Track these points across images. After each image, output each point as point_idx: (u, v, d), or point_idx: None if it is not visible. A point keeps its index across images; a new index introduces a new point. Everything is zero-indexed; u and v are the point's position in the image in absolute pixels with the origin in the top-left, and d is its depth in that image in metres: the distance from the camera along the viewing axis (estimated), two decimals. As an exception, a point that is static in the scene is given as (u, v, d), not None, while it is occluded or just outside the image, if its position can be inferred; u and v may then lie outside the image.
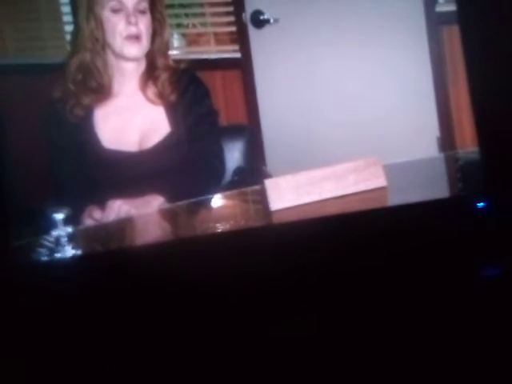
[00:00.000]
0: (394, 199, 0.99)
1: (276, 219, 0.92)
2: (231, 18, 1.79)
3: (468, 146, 1.48)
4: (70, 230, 0.87)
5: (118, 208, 1.08)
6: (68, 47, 1.30)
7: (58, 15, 1.84)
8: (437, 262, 0.80)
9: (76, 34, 1.19)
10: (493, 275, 0.80)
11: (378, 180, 0.97)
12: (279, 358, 0.78)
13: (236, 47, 1.78)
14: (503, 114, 0.80)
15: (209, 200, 1.09)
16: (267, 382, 0.78)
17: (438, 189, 0.98)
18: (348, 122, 1.64)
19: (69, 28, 1.75)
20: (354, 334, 0.79)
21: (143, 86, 1.20)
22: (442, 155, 1.52)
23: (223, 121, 1.36)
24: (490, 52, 0.79)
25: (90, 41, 1.17)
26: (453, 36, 1.59)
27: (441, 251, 0.81)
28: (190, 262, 0.81)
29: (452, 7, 1.51)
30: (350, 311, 0.79)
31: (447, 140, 1.60)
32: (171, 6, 1.77)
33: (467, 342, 0.77)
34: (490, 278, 0.80)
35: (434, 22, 1.62)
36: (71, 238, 0.87)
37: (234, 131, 1.35)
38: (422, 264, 0.81)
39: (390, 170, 0.98)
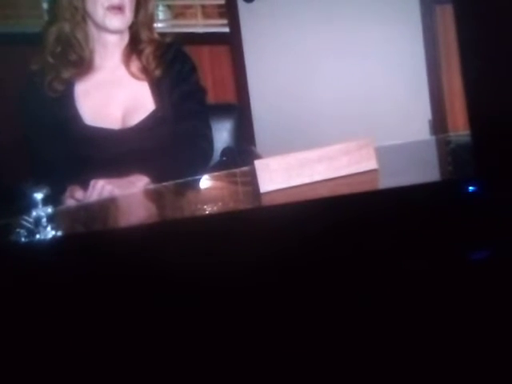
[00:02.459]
0: (385, 182, 0.98)
1: (265, 201, 0.90)
2: (220, -10, 1.73)
3: (460, 129, 1.47)
4: (50, 210, 0.84)
5: (101, 188, 1.04)
6: (46, 16, 1.23)
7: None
8: (427, 245, 0.80)
9: (53, 2, 1.14)
10: (482, 259, 0.80)
11: (369, 162, 0.95)
12: (269, 343, 0.77)
13: (224, 21, 1.72)
14: (496, 98, 0.79)
15: (196, 181, 1.06)
16: (259, 371, 0.77)
17: (428, 172, 0.97)
18: (339, 103, 1.61)
19: (47, -5, 1.66)
20: (345, 318, 0.78)
21: (126, 60, 1.15)
22: (433, 138, 1.51)
23: (211, 99, 1.32)
24: (484, 32, 0.78)
25: (69, 10, 1.11)
26: (446, 15, 1.57)
27: (431, 234, 0.80)
28: (176, 245, 0.79)
29: (446, -14, 1.49)
30: (340, 295, 0.78)
31: (439, 123, 1.60)
32: (156, -24, 1.70)
33: (456, 326, 0.77)
34: (479, 261, 0.79)
35: (428, 0, 1.59)
36: (51, 219, 0.84)
37: (222, 110, 1.31)
38: (412, 247, 0.80)
39: (381, 152, 0.96)
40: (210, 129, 1.17)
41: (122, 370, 0.77)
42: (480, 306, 0.78)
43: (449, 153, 1.07)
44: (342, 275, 0.79)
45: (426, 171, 0.96)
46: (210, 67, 1.71)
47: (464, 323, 0.78)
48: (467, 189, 0.82)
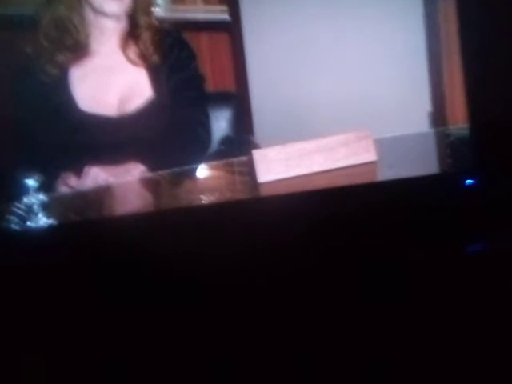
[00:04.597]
0: (384, 174, 0.97)
1: (263, 192, 0.89)
2: (220, -24, 1.70)
3: (459, 122, 1.46)
4: (43, 197, 0.82)
5: (95, 175, 1.02)
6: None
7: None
8: (425, 237, 0.80)
9: None
10: (481, 251, 0.79)
11: (368, 154, 0.95)
12: (266, 336, 0.76)
13: (224, 7, 1.69)
14: (495, 92, 0.78)
15: (193, 170, 1.05)
16: (252, 366, 0.76)
17: (427, 165, 0.97)
18: (340, 93, 1.60)
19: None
20: (342, 308, 0.77)
21: (124, 46, 1.13)
22: (432, 131, 1.50)
23: (209, 87, 1.30)
24: (484, 26, 0.77)
25: None
26: (448, 9, 1.55)
27: (429, 226, 0.80)
28: (172, 234, 0.78)
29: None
30: (336, 285, 0.78)
31: (439, 115, 1.59)
32: (155, -41, 1.66)
33: (454, 317, 0.77)
34: (478, 253, 0.79)
35: (431, -6, 1.57)
36: (44, 206, 0.82)
37: (221, 98, 1.29)
38: (411, 239, 0.80)
39: (380, 144, 0.95)
40: (208, 117, 1.15)
41: (114, 363, 0.76)
42: (477, 297, 0.78)
43: (448, 146, 1.06)
44: (338, 265, 0.79)
45: (424, 164, 0.96)
46: (209, 54, 1.68)
47: (461, 315, 0.77)
48: (466, 181, 0.81)
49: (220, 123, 1.23)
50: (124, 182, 1.02)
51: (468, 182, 0.81)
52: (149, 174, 1.05)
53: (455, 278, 0.78)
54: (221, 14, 1.70)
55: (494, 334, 0.76)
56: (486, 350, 0.76)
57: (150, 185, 1.04)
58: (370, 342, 0.76)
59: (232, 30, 1.67)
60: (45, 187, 0.84)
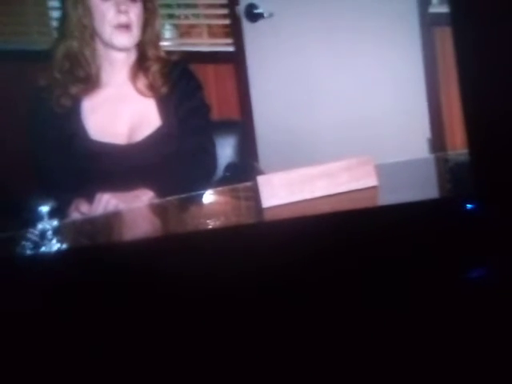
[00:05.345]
0: (385, 199, 0.99)
1: (267, 216, 0.92)
2: (225, 11, 1.77)
3: (458, 147, 1.49)
4: (55, 223, 0.85)
5: (106, 202, 1.05)
6: (54, 33, 1.26)
7: (43, -1, 1.79)
8: (426, 263, 0.81)
9: (63, 20, 1.16)
10: (481, 276, 0.80)
11: (369, 179, 0.97)
12: (269, 356, 0.77)
13: (229, 40, 1.75)
14: (494, 116, 0.81)
15: (200, 196, 1.07)
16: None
17: (427, 189, 0.98)
18: (341, 121, 1.64)
19: (55, 13, 1.70)
20: (344, 332, 0.78)
21: (133, 77, 1.17)
22: (432, 156, 1.53)
23: (215, 115, 1.34)
24: (481, 54, 0.80)
25: (78, 28, 1.13)
26: (445, 37, 1.60)
27: (429, 252, 0.81)
28: (179, 259, 0.80)
29: (445, 9, 1.52)
30: (338, 308, 0.79)
31: (438, 141, 1.62)
32: (163, -4, 1.74)
33: (453, 341, 0.78)
34: (478, 278, 0.80)
35: (428, 23, 1.62)
36: (57, 232, 0.85)
37: (226, 126, 1.33)
38: (411, 263, 0.81)
39: (381, 169, 0.98)
40: (214, 145, 1.18)
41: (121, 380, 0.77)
42: (477, 323, 0.78)
43: (447, 171, 1.08)
44: (341, 289, 0.80)
45: (425, 188, 0.97)
46: (214, 85, 1.73)
47: (462, 340, 0.78)
48: (465, 206, 0.83)
49: (225, 150, 1.26)
50: (134, 208, 1.05)
51: (468, 206, 0.83)
52: (157, 200, 1.08)
53: (455, 303, 0.79)
54: (226, 46, 1.77)
55: (495, 357, 0.77)
56: (487, 375, 0.76)
57: (158, 210, 1.06)
58: (371, 369, 0.77)
59: (236, 61, 1.73)
60: (58, 214, 0.87)
